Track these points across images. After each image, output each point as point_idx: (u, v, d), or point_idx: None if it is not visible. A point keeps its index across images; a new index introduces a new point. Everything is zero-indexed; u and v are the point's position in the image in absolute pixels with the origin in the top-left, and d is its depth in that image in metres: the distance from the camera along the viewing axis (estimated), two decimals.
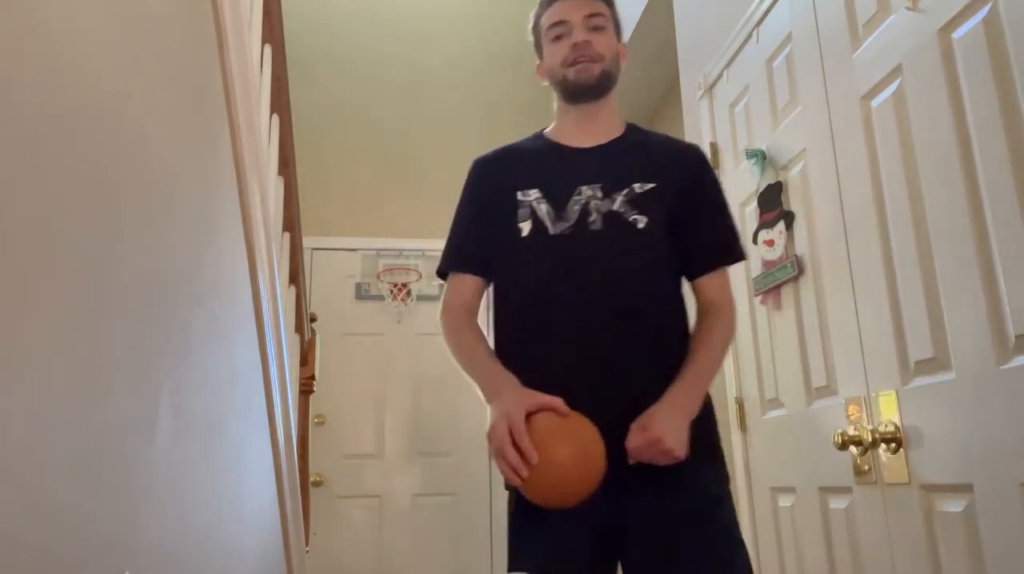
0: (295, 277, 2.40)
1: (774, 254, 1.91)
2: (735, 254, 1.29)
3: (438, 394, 3.91)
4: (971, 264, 1.25)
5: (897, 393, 1.43)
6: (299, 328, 2.48)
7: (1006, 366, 1.18)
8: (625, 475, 1.09)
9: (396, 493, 3.76)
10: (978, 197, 1.25)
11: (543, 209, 1.25)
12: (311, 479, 3.42)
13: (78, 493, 0.74)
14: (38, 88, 0.67)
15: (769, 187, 1.93)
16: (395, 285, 3.98)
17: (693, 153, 1.33)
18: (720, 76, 2.28)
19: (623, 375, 1.16)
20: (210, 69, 1.27)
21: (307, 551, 2.35)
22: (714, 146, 2.31)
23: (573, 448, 1.00)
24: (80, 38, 0.75)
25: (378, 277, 4.00)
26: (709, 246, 1.28)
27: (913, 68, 1.41)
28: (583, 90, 1.28)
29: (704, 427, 1.18)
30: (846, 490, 1.60)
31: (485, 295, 1.36)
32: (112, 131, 0.83)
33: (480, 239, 1.32)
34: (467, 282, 1.34)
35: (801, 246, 1.81)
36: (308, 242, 3.87)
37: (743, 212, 2.11)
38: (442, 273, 1.39)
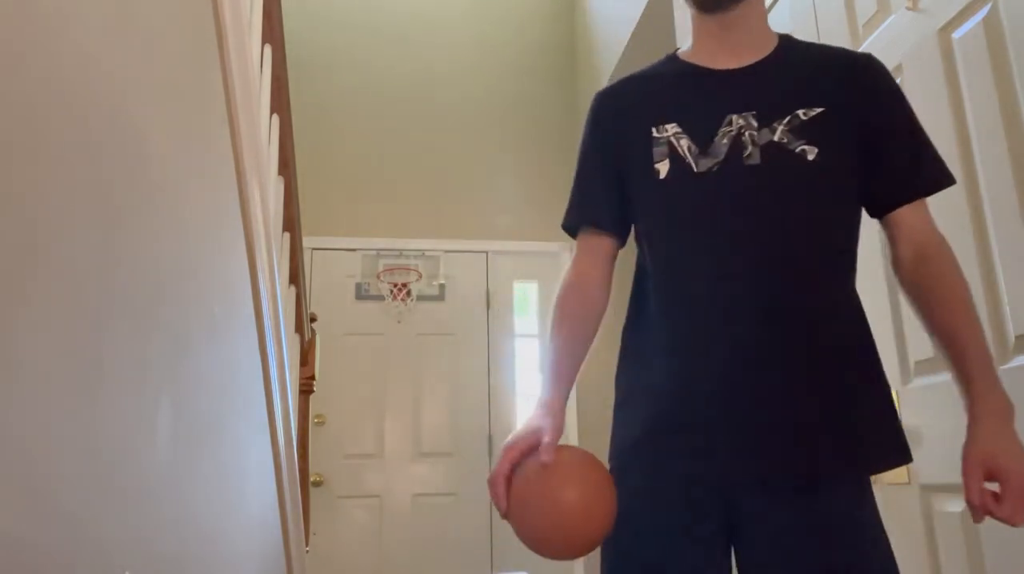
0: (295, 277, 2.40)
1: None
2: (945, 176, 1.00)
3: (438, 394, 3.91)
4: (971, 264, 1.25)
5: (897, 393, 1.43)
6: (299, 328, 2.48)
7: (1006, 366, 1.18)
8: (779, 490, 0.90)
9: (396, 493, 3.77)
10: (978, 197, 1.25)
11: (684, 145, 1.01)
12: (311, 479, 3.42)
13: (78, 493, 0.74)
14: (37, 88, 0.67)
15: None
16: (395, 285, 3.99)
17: (869, 63, 1.04)
18: None
19: (779, 378, 0.91)
20: (210, 69, 1.27)
21: (307, 551, 2.35)
22: None
23: (580, 491, 0.83)
24: (79, 38, 0.75)
25: (378, 277, 4.00)
26: (903, 170, 0.99)
27: (913, 68, 1.41)
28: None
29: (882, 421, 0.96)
30: None
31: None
32: (112, 131, 0.83)
33: (611, 188, 1.07)
34: (597, 244, 1.09)
35: None
36: (308, 242, 3.86)
37: None
38: (571, 229, 1.13)
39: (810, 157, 0.96)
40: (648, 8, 3.19)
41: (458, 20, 4.53)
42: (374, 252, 4.05)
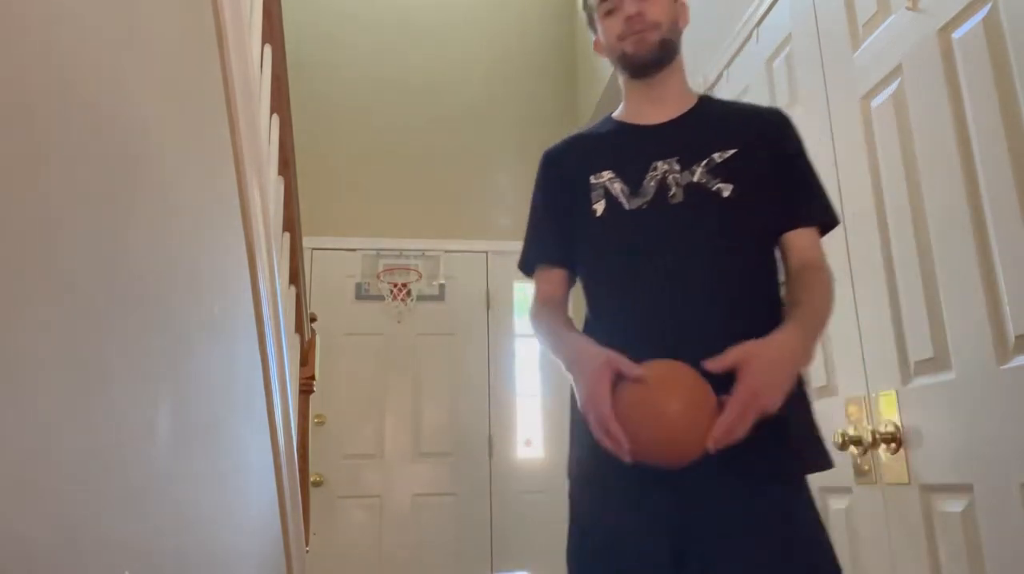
0: (295, 277, 2.40)
1: None
2: (829, 214, 1.17)
3: (438, 394, 3.91)
4: (971, 264, 1.25)
5: (897, 393, 1.43)
6: (299, 328, 2.48)
7: (1006, 366, 1.18)
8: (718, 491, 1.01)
9: (396, 493, 3.77)
10: (978, 197, 1.25)
11: (617, 187, 1.18)
12: (311, 479, 3.42)
13: (78, 493, 0.74)
14: (36, 88, 0.67)
15: None
16: (395, 285, 3.99)
17: (773, 115, 1.24)
18: (720, 76, 2.28)
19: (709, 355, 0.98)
20: (210, 69, 1.27)
21: (307, 551, 2.35)
22: None
23: (683, 401, 0.92)
24: (79, 37, 0.75)
25: (378, 277, 4.00)
26: (796, 202, 1.16)
27: (913, 68, 1.41)
28: (644, 63, 1.21)
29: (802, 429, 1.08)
30: (846, 490, 1.60)
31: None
32: (111, 131, 0.83)
33: (558, 229, 1.24)
34: (552, 275, 1.26)
35: None
36: (308, 242, 3.86)
37: None
38: (527, 270, 1.30)
39: (725, 194, 1.12)
40: None
41: (459, 20, 4.53)
42: (374, 252, 4.05)
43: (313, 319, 2.79)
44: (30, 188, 0.65)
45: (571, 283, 1.27)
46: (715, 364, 0.95)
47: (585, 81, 4.35)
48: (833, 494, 1.65)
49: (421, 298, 4.02)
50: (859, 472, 1.53)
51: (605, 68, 3.88)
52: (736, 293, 1.10)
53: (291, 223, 2.27)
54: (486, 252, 4.15)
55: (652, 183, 1.15)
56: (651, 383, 0.95)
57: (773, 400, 0.94)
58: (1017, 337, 1.16)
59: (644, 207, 1.14)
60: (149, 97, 0.95)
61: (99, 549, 0.79)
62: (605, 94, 3.93)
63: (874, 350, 1.51)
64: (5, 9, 0.61)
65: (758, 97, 2.03)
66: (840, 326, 1.63)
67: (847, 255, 1.60)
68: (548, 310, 1.23)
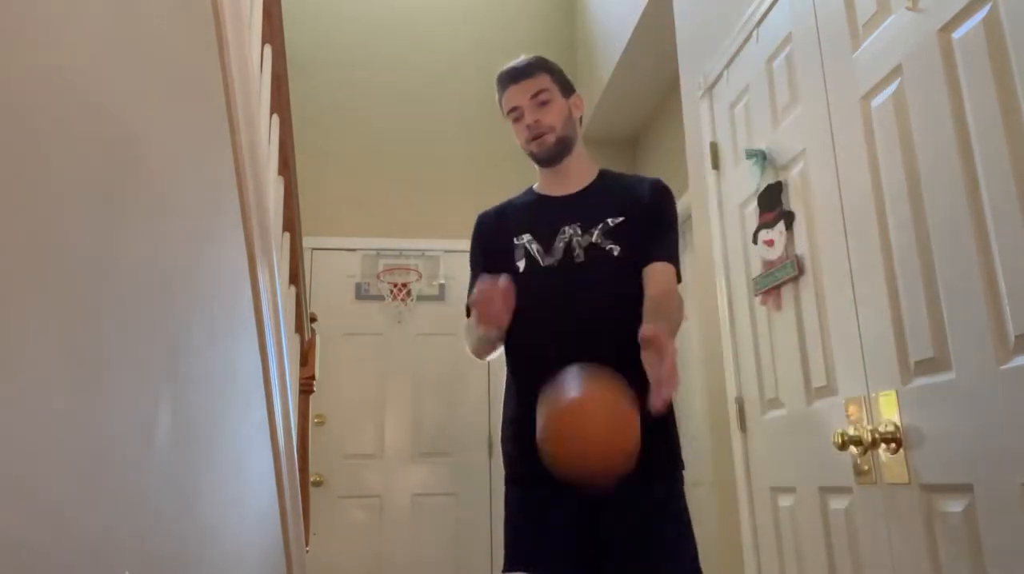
0: (295, 277, 2.40)
1: (774, 254, 1.91)
2: (675, 263, 1.52)
3: (438, 394, 3.91)
4: (971, 264, 1.25)
5: (897, 393, 1.43)
6: (299, 328, 2.48)
7: (1006, 366, 1.18)
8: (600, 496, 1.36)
9: (396, 493, 3.77)
10: (978, 197, 1.25)
11: (534, 248, 1.54)
12: (311, 479, 3.41)
13: (78, 493, 0.74)
14: (37, 88, 0.67)
15: (769, 187, 1.93)
16: (395, 285, 3.99)
17: (654, 186, 1.58)
18: (720, 76, 2.28)
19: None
20: (210, 69, 1.27)
21: (307, 551, 2.35)
22: (714, 146, 2.31)
23: (606, 411, 1.02)
24: (79, 38, 0.75)
25: (378, 277, 4.00)
26: (655, 247, 1.50)
27: (913, 68, 1.41)
28: (547, 159, 1.56)
29: (662, 445, 1.44)
30: (846, 490, 1.60)
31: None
32: (111, 131, 0.83)
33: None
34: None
35: (801, 246, 1.81)
36: (308, 242, 3.86)
37: (743, 212, 2.11)
38: (468, 312, 1.62)
39: (615, 253, 1.48)
40: (648, 8, 3.19)
41: (458, 20, 4.53)
42: (374, 252, 4.05)
43: (313, 319, 2.79)
44: (29, 188, 0.65)
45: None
46: (648, 332, 1.14)
47: (585, 82, 4.35)
48: (833, 494, 1.65)
49: (421, 298, 4.02)
50: (859, 472, 1.53)
51: (604, 69, 3.88)
52: (621, 319, 1.42)
53: (291, 223, 2.27)
54: None
55: (561, 244, 1.52)
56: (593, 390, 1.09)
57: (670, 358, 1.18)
58: (1017, 337, 1.16)
59: (555, 264, 1.50)
60: (149, 97, 0.95)
61: (99, 549, 0.79)
62: (605, 94, 3.93)
63: (874, 350, 1.51)
64: (4, 9, 0.61)
65: (758, 97, 2.03)
66: (840, 326, 1.63)
67: (847, 255, 1.60)
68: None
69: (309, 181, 3.94)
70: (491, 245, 1.61)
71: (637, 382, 1.20)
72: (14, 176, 0.62)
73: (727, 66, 2.23)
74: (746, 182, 2.08)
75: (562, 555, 1.40)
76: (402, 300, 3.97)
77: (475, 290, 1.30)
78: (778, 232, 1.90)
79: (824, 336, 1.70)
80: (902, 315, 1.43)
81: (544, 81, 1.54)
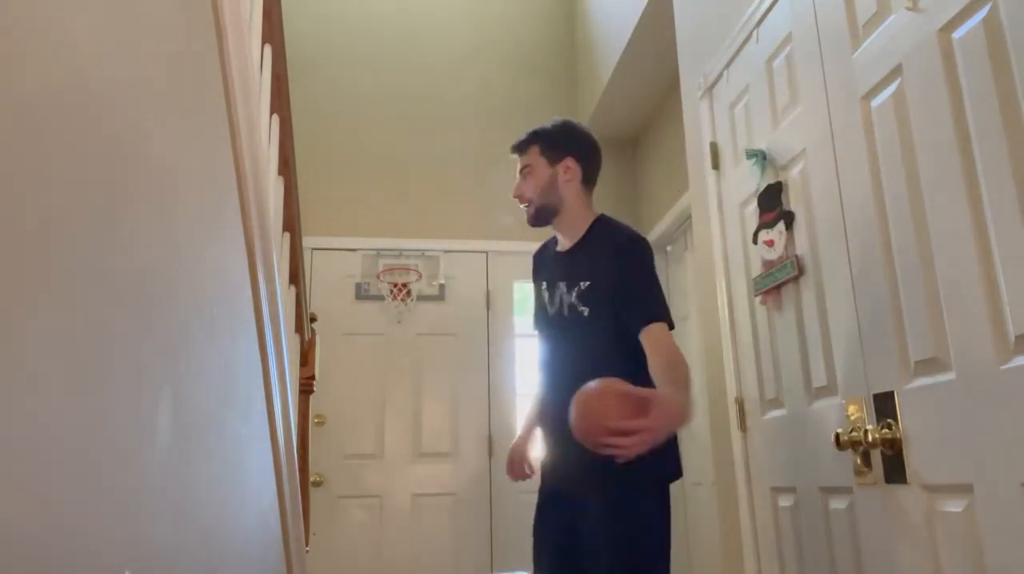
0: (295, 277, 2.40)
1: (774, 254, 1.91)
2: (660, 316, 1.64)
3: (438, 394, 3.91)
4: (971, 264, 1.25)
5: (897, 393, 1.43)
6: (299, 328, 2.48)
7: (1006, 366, 1.18)
8: (577, 496, 1.71)
9: (396, 493, 3.77)
10: (978, 197, 1.25)
11: (546, 296, 1.84)
12: (311, 479, 3.41)
13: (78, 493, 0.74)
14: (37, 88, 0.67)
15: (769, 187, 1.93)
16: (395, 285, 3.99)
17: (617, 247, 1.73)
18: (720, 76, 2.28)
19: (569, 447, 1.55)
20: (210, 69, 1.27)
21: (307, 551, 2.35)
22: (714, 146, 2.31)
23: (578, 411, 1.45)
24: (79, 37, 0.75)
25: (378, 277, 4.00)
26: (633, 312, 1.66)
27: (913, 68, 1.41)
28: (532, 223, 1.85)
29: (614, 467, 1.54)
30: (846, 490, 1.60)
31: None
32: (111, 131, 0.83)
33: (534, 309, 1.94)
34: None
35: (801, 246, 1.81)
36: (308, 242, 3.87)
37: (743, 212, 2.11)
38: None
39: (585, 314, 1.71)
40: (648, 8, 3.19)
41: (458, 20, 4.53)
42: (374, 252, 4.05)
43: (313, 319, 2.79)
44: (29, 189, 0.65)
45: None
46: (637, 393, 1.40)
47: (585, 81, 4.35)
48: (833, 494, 1.65)
49: (421, 298, 4.02)
50: (859, 472, 1.53)
51: (605, 69, 3.88)
52: (590, 370, 1.52)
53: (291, 223, 2.27)
54: (486, 252, 4.15)
55: (556, 298, 1.79)
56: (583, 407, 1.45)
57: (656, 438, 1.37)
58: (1017, 337, 1.16)
59: (552, 314, 1.80)
60: (149, 97, 0.95)
61: (99, 549, 0.79)
62: (605, 95, 3.93)
63: (874, 350, 1.51)
64: (4, 10, 0.61)
65: (758, 97, 2.03)
66: (840, 326, 1.63)
67: (847, 255, 1.60)
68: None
69: (309, 181, 3.94)
70: (534, 279, 1.96)
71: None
72: (14, 176, 0.62)
73: (727, 66, 2.23)
74: (746, 182, 2.08)
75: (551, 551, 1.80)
76: (402, 300, 3.97)
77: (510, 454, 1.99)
78: (778, 232, 1.90)
79: (824, 336, 1.70)
80: (902, 315, 1.43)
81: (532, 155, 1.84)
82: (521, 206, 1.84)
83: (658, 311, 1.64)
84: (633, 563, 1.59)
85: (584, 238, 1.79)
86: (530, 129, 1.88)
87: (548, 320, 1.80)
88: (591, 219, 1.82)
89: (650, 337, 1.61)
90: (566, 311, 1.74)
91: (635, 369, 1.58)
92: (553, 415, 1.71)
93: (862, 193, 1.55)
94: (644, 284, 1.69)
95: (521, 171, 1.83)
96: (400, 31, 4.43)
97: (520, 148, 1.87)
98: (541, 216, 1.81)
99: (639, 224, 4.33)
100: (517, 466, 1.93)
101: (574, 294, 1.73)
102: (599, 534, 1.62)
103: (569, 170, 1.80)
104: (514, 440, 1.97)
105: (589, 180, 1.85)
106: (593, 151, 1.88)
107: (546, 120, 1.89)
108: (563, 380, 1.67)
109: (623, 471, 1.50)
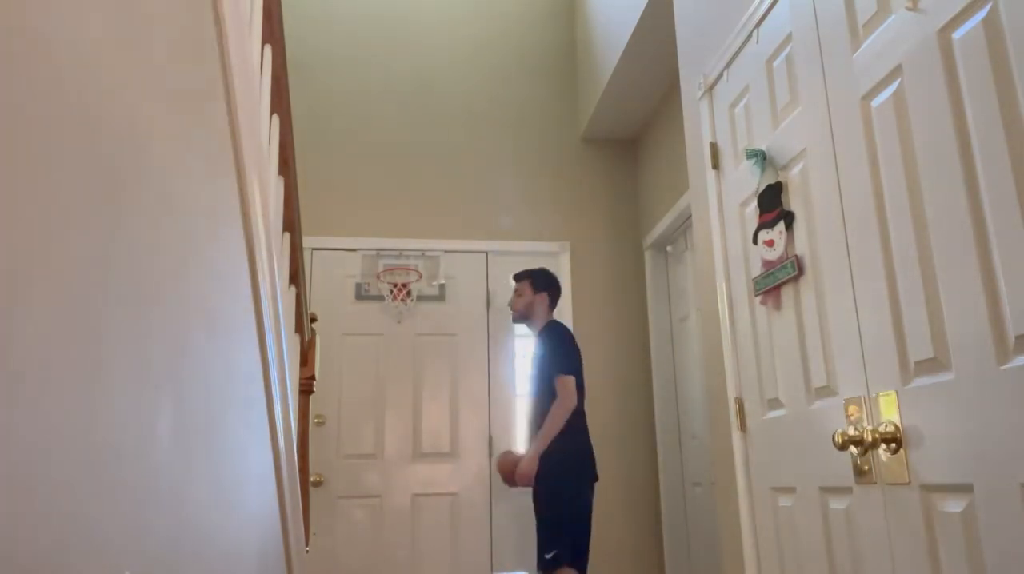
0: (295, 277, 2.40)
1: (774, 254, 1.91)
2: (556, 371, 3.02)
3: (438, 394, 3.91)
4: (971, 264, 1.25)
5: (897, 393, 1.43)
6: (299, 328, 2.48)
7: (1006, 366, 1.18)
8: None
9: (396, 493, 3.77)
10: (978, 197, 1.25)
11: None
12: (311, 479, 3.41)
13: (78, 493, 0.74)
14: (37, 89, 0.67)
15: (769, 187, 1.93)
16: (395, 285, 3.98)
17: (543, 331, 3.16)
18: (720, 76, 2.28)
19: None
20: (210, 69, 1.27)
21: (307, 551, 2.35)
22: (714, 146, 2.31)
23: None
24: (79, 37, 0.75)
25: (378, 277, 4.00)
26: (544, 374, 3.09)
27: (913, 68, 1.41)
28: (515, 322, 3.35)
29: (550, 466, 2.93)
30: (846, 490, 1.60)
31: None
32: (112, 132, 0.83)
33: None
34: None
35: (801, 246, 1.81)
36: (308, 242, 3.86)
37: (743, 212, 2.11)
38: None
39: (533, 375, 3.14)
40: (648, 8, 3.19)
41: (458, 20, 4.53)
42: (374, 252, 4.05)
43: (313, 319, 2.79)
44: (29, 189, 0.65)
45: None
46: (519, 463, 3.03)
47: (585, 82, 4.35)
48: (833, 494, 1.65)
49: (421, 298, 4.02)
50: (859, 472, 1.54)
51: (604, 70, 3.88)
52: (537, 425, 3.02)
53: (291, 223, 2.27)
54: (486, 252, 4.15)
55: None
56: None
57: (526, 478, 2.94)
58: (1017, 337, 1.16)
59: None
60: (149, 97, 0.95)
61: (99, 549, 0.79)
62: (604, 94, 3.93)
63: (874, 350, 1.51)
64: (3, 10, 0.61)
65: (758, 97, 2.03)
66: (840, 326, 1.63)
67: (847, 255, 1.61)
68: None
69: (309, 181, 3.94)
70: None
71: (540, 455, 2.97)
72: (14, 176, 0.62)
73: (727, 66, 2.23)
74: (746, 182, 2.08)
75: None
76: (402, 300, 3.97)
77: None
78: (778, 232, 1.90)
79: (824, 336, 1.70)
80: (902, 315, 1.43)
81: (524, 287, 3.24)
82: (513, 311, 3.31)
83: (556, 367, 3.01)
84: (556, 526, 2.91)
85: (540, 333, 3.18)
86: (527, 269, 3.32)
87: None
88: (543, 323, 3.22)
89: (555, 391, 3.01)
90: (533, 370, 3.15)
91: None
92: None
93: (862, 193, 1.55)
94: (549, 354, 3.07)
95: (515, 292, 3.28)
96: (400, 31, 4.43)
97: (518, 279, 3.28)
98: (521, 319, 3.28)
99: (639, 224, 4.33)
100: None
101: (534, 366, 3.13)
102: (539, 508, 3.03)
103: (542, 300, 3.24)
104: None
105: (553, 305, 3.27)
106: (558, 291, 3.30)
107: (534, 265, 3.46)
108: (529, 424, 3.12)
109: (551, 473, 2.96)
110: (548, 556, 2.79)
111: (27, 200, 0.64)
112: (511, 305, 3.28)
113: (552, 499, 2.86)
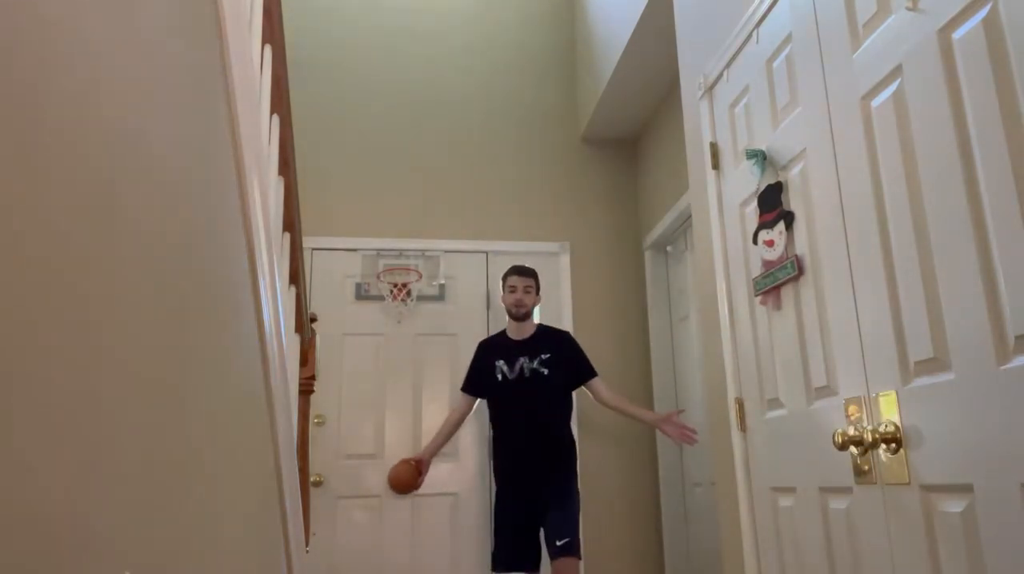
0: (295, 277, 2.40)
1: (774, 254, 1.92)
2: (594, 372, 3.31)
3: (438, 394, 3.91)
4: (971, 264, 1.25)
5: (897, 393, 1.43)
6: (299, 328, 2.48)
7: (1006, 366, 1.18)
8: (540, 484, 3.08)
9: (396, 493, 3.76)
10: (978, 197, 1.25)
11: (504, 367, 3.22)
12: (311, 479, 3.41)
13: (78, 493, 0.74)
14: (37, 88, 0.67)
15: (769, 187, 1.93)
16: (395, 285, 3.98)
17: (564, 336, 3.34)
18: (720, 76, 2.28)
19: (537, 454, 3.11)
20: (210, 69, 1.27)
21: (307, 551, 2.35)
22: (714, 146, 2.31)
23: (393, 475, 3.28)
24: (80, 37, 0.75)
25: (378, 277, 4.00)
26: (582, 372, 3.30)
27: (913, 68, 1.41)
28: (519, 318, 3.26)
29: (565, 463, 3.15)
30: (846, 490, 1.60)
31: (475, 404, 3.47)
32: (112, 132, 0.83)
33: (477, 379, 3.36)
34: (467, 398, 3.43)
35: (801, 246, 1.81)
36: (308, 242, 3.86)
37: (743, 212, 2.11)
38: (463, 391, 3.43)
39: (546, 373, 3.18)
40: (648, 8, 3.19)
41: (458, 20, 4.53)
42: (374, 252, 4.05)
43: (313, 319, 2.79)
44: (29, 189, 0.65)
45: (473, 404, 3.43)
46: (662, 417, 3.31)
47: (585, 82, 4.35)
48: (833, 494, 1.65)
49: (421, 298, 4.02)
50: (859, 472, 1.54)
51: (604, 69, 3.88)
52: (549, 418, 3.16)
53: (291, 223, 2.27)
54: (486, 252, 4.15)
55: (518, 367, 3.19)
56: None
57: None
58: (1017, 337, 1.17)
59: (513, 379, 3.18)
60: (150, 97, 0.95)
61: (99, 549, 0.79)
62: (604, 95, 3.93)
63: (874, 350, 1.51)
64: (3, 11, 0.61)
65: (758, 97, 2.03)
66: (840, 326, 1.63)
67: (847, 255, 1.61)
68: (451, 418, 3.44)
69: (309, 181, 3.94)
70: (482, 363, 3.33)
71: (552, 443, 3.13)
72: (14, 176, 0.62)
73: (727, 66, 2.23)
74: (746, 182, 2.08)
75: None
76: (402, 300, 3.97)
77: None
78: (778, 232, 1.90)
79: (824, 336, 1.70)
80: (902, 315, 1.43)
81: (532, 285, 3.26)
82: (515, 307, 3.26)
83: (594, 372, 3.34)
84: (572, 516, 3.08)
85: (536, 332, 3.30)
86: (530, 267, 3.36)
87: (509, 382, 3.18)
88: (535, 325, 3.35)
89: (597, 383, 3.33)
90: (528, 374, 3.16)
91: (569, 417, 3.28)
92: (521, 439, 3.16)
93: (862, 193, 1.55)
94: (585, 356, 3.33)
95: (525, 286, 3.26)
96: (400, 31, 4.43)
97: (525, 274, 3.29)
98: (527, 315, 3.27)
99: (639, 224, 4.33)
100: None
101: (537, 362, 3.18)
102: (557, 500, 3.12)
103: (538, 303, 3.37)
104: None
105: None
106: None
107: (533, 264, 3.50)
108: (529, 416, 3.14)
109: (568, 464, 3.21)
110: (560, 543, 2.95)
111: (26, 200, 0.64)
112: (521, 302, 3.23)
113: (574, 491, 3.10)
